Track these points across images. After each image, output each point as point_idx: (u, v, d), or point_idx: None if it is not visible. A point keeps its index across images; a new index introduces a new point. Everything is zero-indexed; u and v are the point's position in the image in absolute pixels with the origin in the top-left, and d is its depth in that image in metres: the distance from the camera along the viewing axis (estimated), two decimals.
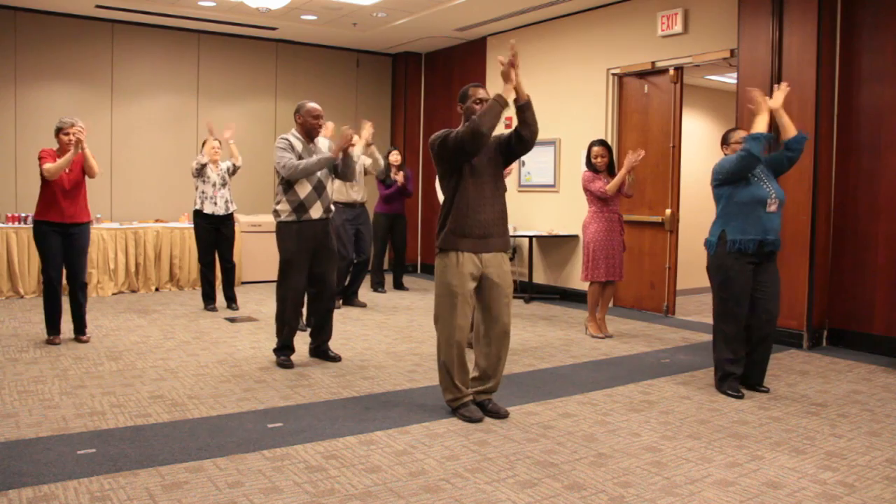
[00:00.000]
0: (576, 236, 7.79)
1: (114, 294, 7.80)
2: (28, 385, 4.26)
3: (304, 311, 5.45)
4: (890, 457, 3.36)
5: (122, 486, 2.86)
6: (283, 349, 4.89)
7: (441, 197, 4.04)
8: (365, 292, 8.15)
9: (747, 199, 4.25)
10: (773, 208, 4.27)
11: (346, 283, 7.32)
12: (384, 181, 8.11)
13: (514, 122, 3.93)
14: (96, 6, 7.90)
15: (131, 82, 8.66)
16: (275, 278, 5.05)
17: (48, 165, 5.13)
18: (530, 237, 7.96)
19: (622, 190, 5.93)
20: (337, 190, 6.92)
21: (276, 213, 4.82)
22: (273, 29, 8.96)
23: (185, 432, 3.51)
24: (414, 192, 9.62)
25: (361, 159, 7.05)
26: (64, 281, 5.43)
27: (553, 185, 8.24)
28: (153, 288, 8.10)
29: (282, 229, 4.80)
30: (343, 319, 6.60)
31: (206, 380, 4.48)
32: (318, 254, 4.84)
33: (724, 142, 4.62)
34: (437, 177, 4.03)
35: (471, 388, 3.86)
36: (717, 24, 6.49)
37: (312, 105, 4.87)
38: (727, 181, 4.31)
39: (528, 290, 8.00)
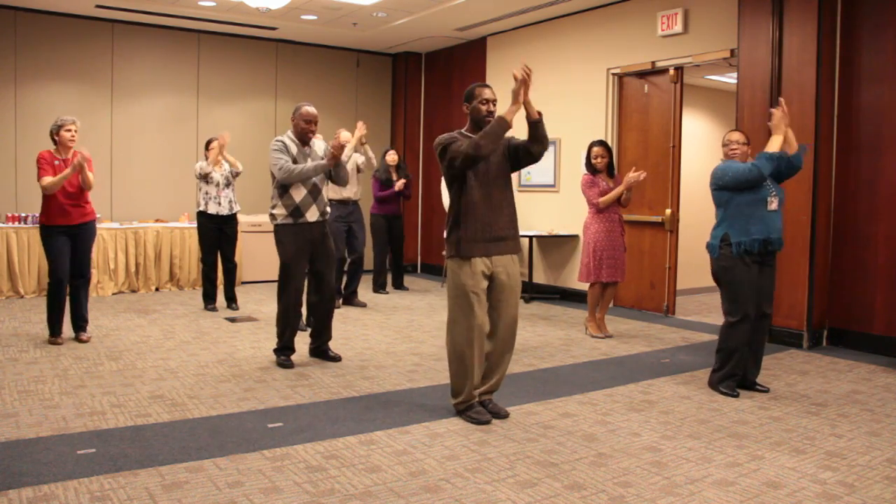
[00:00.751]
0: (576, 236, 7.79)
1: (114, 294, 7.80)
2: (28, 385, 4.26)
3: (304, 311, 5.46)
4: (890, 457, 3.36)
5: (122, 486, 2.86)
6: (284, 349, 4.90)
7: (446, 199, 4.02)
8: (365, 293, 8.15)
9: (748, 199, 4.25)
10: (773, 206, 4.28)
11: (343, 283, 7.33)
12: (384, 181, 8.07)
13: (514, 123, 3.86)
14: (96, 6, 7.90)
15: (131, 82, 8.66)
16: (275, 278, 5.07)
17: (47, 181, 5.13)
18: (530, 237, 7.96)
19: (619, 200, 5.94)
20: (330, 187, 6.91)
21: (273, 217, 4.83)
22: (273, 29, 8.96)
23: (185, 432, 3.51)
24: (414, 195, 9.63)
25: (354, 157, 7.12)
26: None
27: (553, 185, 8.24)
28: (153, 288, 8.10)
29: (279, 232, 4.82)
30: (343, 319, 6.60)
31: (206, 380, 4.48)
32: (317, 255, 4.86)
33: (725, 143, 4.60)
34: (442, 179, 3.99)
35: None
36: (717, 24, 6.49)
37: (307, 109, 4.83)
38: (728, 188, 4.30)
39: (528, 290, 8.00)
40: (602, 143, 6.02)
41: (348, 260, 7.34)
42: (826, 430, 3.72)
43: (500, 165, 3.77)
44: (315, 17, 8.35)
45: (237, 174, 7.00)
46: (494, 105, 3.77)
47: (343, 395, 4.22)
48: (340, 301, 7.28)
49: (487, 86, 3.82)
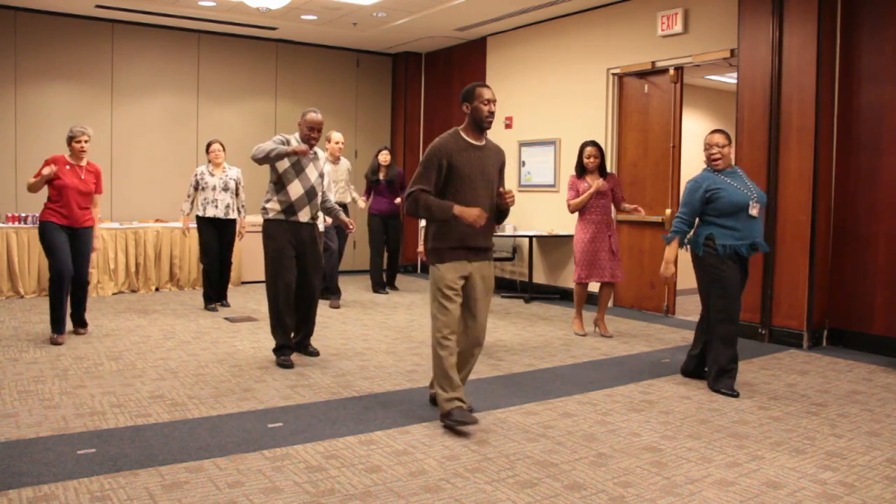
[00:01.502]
0: None
1: (114, 294, 7.80)
2: (28, 385, 4.26)
3: None
4: (890, 457, 3.36)
5: (122, 486, 2.86)
6: (282, 349, 4.90)
7: None
8: (365, 293, 8.16)
9: (727, 206, 4.31)
10: (754, 212, 4.34)
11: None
12: (372, 182, 8.19)
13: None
14: (96, 6, 7.90)
15: (131, 82, 8.66)
16: None
17: (30, 180, 5.36)
18: (530, 237, 7.96)
19: (618, 206, 6.03)
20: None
21: (265, 211, 4.86)
22: (273, 29, 8.96)
23: (185, 432, 3.51)
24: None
25: (344, 163, 7.47)
26: None
27: (553, 185, 8.24)
28: (153, 288, 8.10)
29: (269, 227, 4.84)
30: (343, 319, 6.61)
31: (206, 380, 4.48)
32: (304, 256, 4.91)
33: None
34: None
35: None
36: (717, 24, 6.49)
37: (312, 116, 4.84)
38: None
39: (528, 290, 8.00)
40: (595, 144, 6.05)
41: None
42: (826, 430, 3.72)
43: (486, 183, 3.78)
44: (315, 17, 8.35)
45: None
46: (494, 105, 3.77)
47: (343, 395, 4.22)
48: (338, 300, 7.36)
49: (488, 86, 3.82)
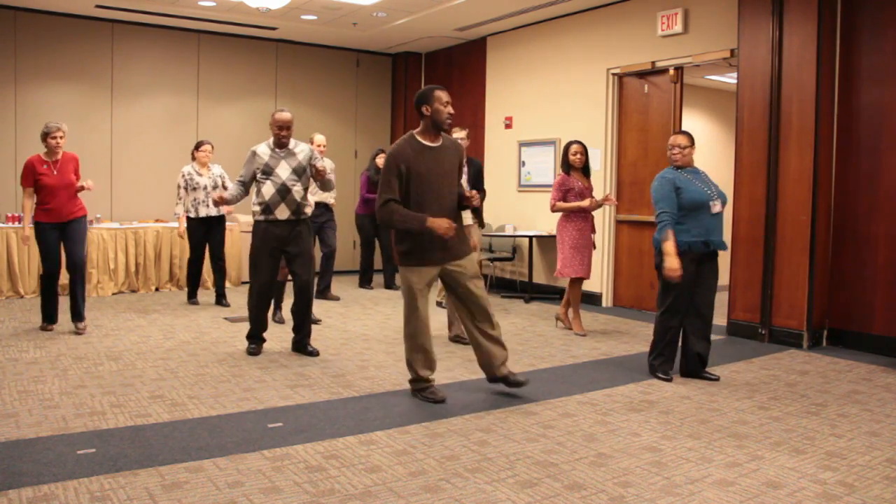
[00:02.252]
0: None
1: (114, 294, 7.80)
2: (28, 385, 4.26)
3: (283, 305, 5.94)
4: (890, 457, 3.36)
5: (122, 486, 2.86)
6: (253, 338, 5.21)
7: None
8: (365, 293, 8.17)
9: (688, 203, 4.47)
10: (716, 209, 4.51)
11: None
12: (375, 182, 8.16)
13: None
14: (96, 6, 7.90)
15: (131, 82, 8.66)
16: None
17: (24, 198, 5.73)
18: (530, 237, 7.96)
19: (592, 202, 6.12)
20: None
21: (253, 213, 5.14)
22: (273, 29, 8.96)
23: (185, 432, 3.51)
24: None
25: (327, 162, 7.48)
26: (64, 276, 5.85)
27: (553, 185, 8.22)
28: (153, 288, 8.10)
29: (253, 227, 5.13)
30: (343, 319, 6.61)
31: (206, 380, 4.48)
32: (290, 254, 5.08)
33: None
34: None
35: (497, 370, 4.16)
36: (717, 24, 6.49)
37: (280, 115, 5.05)
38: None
39: (528, 290, 8.00)
40: (579, 142, 6.19)
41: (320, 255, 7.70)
42: (826, 430, 3.72)
43: (447, 182, 3.96)
44: (315, 17, 8.35)
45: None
46: (452, 107, 3.96)
47: (343, 395, 4.22)
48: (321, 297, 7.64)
49: (444, 88, 4.01)
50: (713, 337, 6.10)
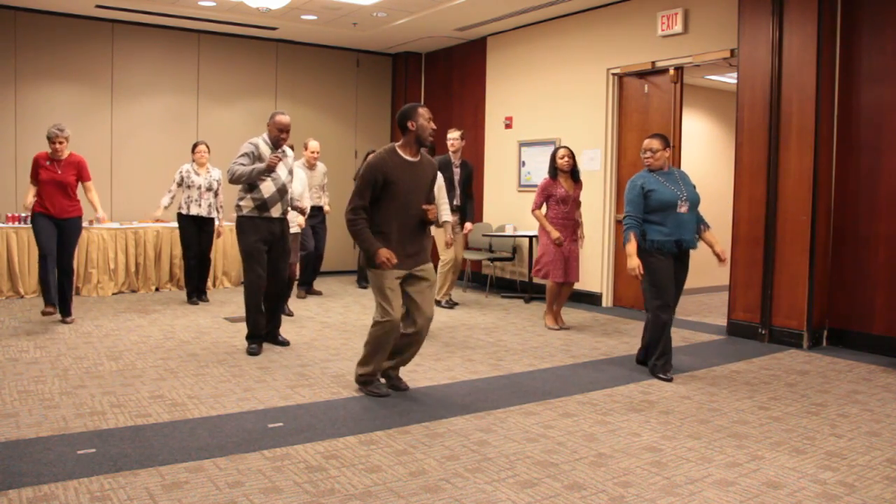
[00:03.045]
0: None
1: (114, 294, 7.80)
2: (28, 385, 4.26)
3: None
4: (890, 457, 3.36)
5: (122, 486, 2.86)
6: (254, 338, 5.22)
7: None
8: (365, 292, 8.19)
9: (657, 204, 4.64)
10: (683, 209, 4.68)
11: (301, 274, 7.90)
12: None
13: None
14: (96, 6, 7.90)
15: (131, 82, 8.66)
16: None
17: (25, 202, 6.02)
18: (530, 237, 7.96)
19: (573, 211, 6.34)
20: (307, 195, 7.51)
21: (239, 208, 5.17)
22: (273, 29, 8.96)
23: (185, 432, 3.51)
24: None
25: (320, 167, 7.78)
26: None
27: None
28: (153, 288, 8.10)
29: (243, 223, 5.14)
30: (344, 319, 6.61)
31: (206, 380, 4.48)
32: (274, 249, 5.23)
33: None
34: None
35: (385, 364, 4.28)
36: (717, 24, 6.48)
37: (280, 118, 5.20)
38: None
39: (528, 290, 8.00)
40: (566, 147, 6.35)
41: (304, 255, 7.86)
42: (826, 430, 3.72)
43: (421, 197, 4.12)
44: (315, 17, 8.35)
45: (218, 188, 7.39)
46: (434, 123, 4.20)
47: (343, 395, 4.22)
48: (304, 291, 7.85)
49: (425, 106, 4.23)
50: (713, 337, 6.14)
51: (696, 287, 8.62)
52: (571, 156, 6.29)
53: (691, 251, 4.80)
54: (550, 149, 8.16)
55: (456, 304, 7.50)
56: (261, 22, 8.58)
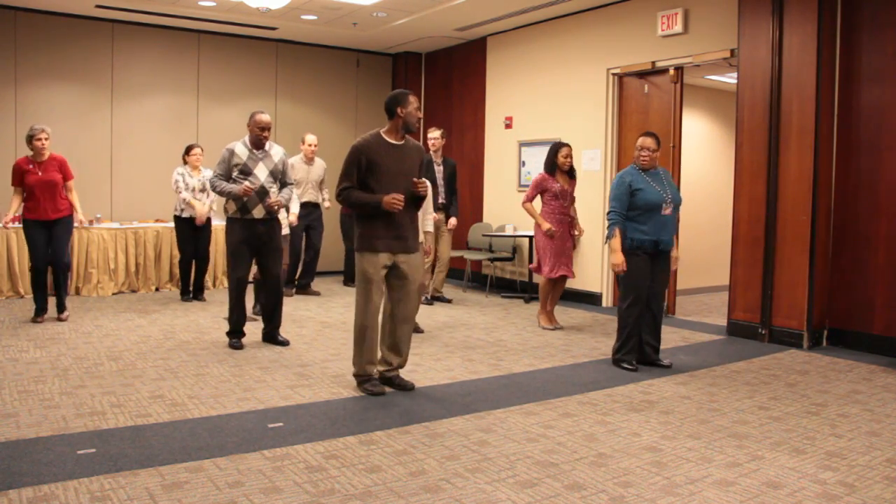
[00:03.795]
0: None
1: (114, 294, 7.80)
2: (28, 385, 4.26)
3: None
4: (890, 457, 3.36)
5: (122, 486, 2.86)
6: (234, 333, 5.37)
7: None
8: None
9: (642, 204, 4.76)
10: (667, 211, 4.80)
11: (298, 274, 7.97)
12: None
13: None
14: (96, 6, 7.89)
15: (131, 82, 8.66)
16: None
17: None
18: (530, 237, 7.95)
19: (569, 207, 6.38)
20: (306, 190, 7.67)
21: (226, 210, 5.35)
22: (273, 29, 8.95)
23: (185, 432, 3.51)
24: None
25: (319, 162, 7.81)
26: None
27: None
28: (153, 288, 8.10)
29: (228, 225, 5.33)
30: (344, 319, 6.61)
31: (206, 380, 4.48)
32: (263, 250, 5.34)
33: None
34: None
35: (381, 367, 4.38)
36: (717, 24, 6.48)
37: (260, 117, 5.28)
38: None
39: (528, 291, 8.00)
40: (570, 145, 6.41)
41: (303, 256, 7.93)
42: (826, 430, 3.72)
43: (406, 178, 4.19)
44: (315, 17, 8.35)
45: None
46: (421, 112, 4.18)
47: (343, 395, 4.22)
48: (293, 291, 7.84)
49: (413, 93, 4.30)
50: (713, 337, 6.14)
51: (696, 287, 8.63)
52: (572, 155, 6.35)
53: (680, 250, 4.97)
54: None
55: (438, 300, 7.56)
56: (261, 22, 8.58)
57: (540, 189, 6.30)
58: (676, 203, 4.89)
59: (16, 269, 7.39)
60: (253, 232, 5.26)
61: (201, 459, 3.16)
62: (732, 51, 6.33)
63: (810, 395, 4.36)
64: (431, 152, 7.31)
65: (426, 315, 6.87)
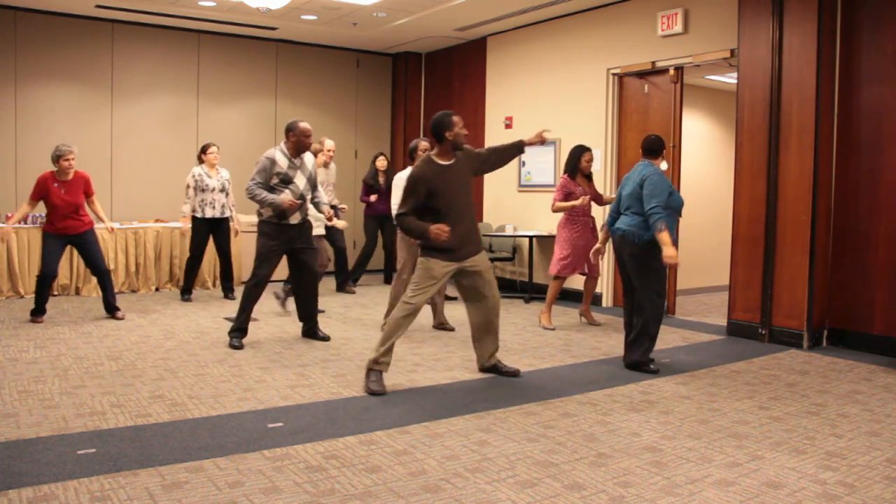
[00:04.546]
0: None
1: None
2: (28, 385, 4.26)
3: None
4: (890, 457, 3.36)
5: (122, 486, 2.86)
6: (238, 331, 5.39)
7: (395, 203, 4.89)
8: (366, 293, 8.16)
9: (677, 205, 4.82)
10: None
11: (350, 269, 8.25)
12: (370, 186, 8.51)
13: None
14: (96, 6, 7.90)
15: (131, 82, 8.66)
16: (274, 278, 5.59)
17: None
18: (530, 237, 7.96)
19: (600, 202, 6.56)
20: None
21: (260, 214, 5.42)
22: (273, 29, 8.96)
23: (185, 432, 3.51)
24: None
25: (333, 167, 7.91)
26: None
27: (553, 185, 8.21)
28: (153, 288, 8.10)
29: (263, 226, 5.38)
30: (343, 319, 6.61)
31: (206, 380, 4.48)
32: (298, 248, 5.45)
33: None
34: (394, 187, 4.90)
35: (489, 361, 4.70)
36: (717, 24, 6.48)
37: (305, 125, 5.36)
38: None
39: (528, 290, 8.00)
40: (591, 150, 6.52)
41: (331, 259, 8.06)
42: (826, 430, 3.72)
43: (466, 193, 4.46)
44: (315, 17, 8.35)
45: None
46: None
47: (343, 395, 4.22)
48: (353, 287, 8.17)
49: (456, 113, 4.46)
50: (713, 337, 6.15)
51: (696, 287, 8.63)
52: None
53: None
54: (551, 149, 8.18)
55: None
56: (261, 22, 8.58)
57: (566, 191, 6.37)
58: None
59: (16, 269, 7.39)
60: (288, 236, 5.37)
61: (201, 459, 3.16)
62: (732, 51, 6.33)
63: (810, 395, 4.36)
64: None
65: (427, 315, 6.87)
